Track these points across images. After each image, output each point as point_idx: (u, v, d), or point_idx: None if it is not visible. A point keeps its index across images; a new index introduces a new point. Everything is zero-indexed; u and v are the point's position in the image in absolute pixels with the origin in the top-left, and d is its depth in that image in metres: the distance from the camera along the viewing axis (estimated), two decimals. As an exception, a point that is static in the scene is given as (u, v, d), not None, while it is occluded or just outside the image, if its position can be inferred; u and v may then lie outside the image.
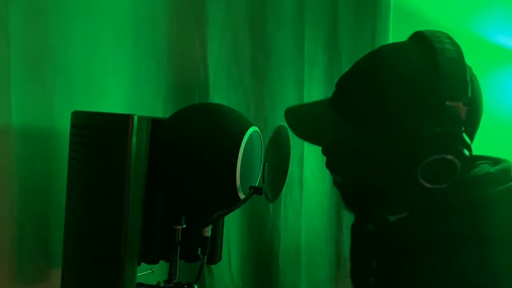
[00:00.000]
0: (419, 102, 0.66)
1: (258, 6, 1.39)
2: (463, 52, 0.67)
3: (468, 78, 0.65)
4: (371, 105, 0.70)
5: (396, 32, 1.58)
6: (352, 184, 0.77)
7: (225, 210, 0.85)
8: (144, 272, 0.89)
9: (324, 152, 0.78)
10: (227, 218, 0.94)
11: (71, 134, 0.91)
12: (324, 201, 1.52)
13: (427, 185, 0.66)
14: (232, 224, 1.37)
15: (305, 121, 0.81)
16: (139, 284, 0.85)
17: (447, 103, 0.64)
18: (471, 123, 0.67)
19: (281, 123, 0.85)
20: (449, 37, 0.69)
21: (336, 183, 0.79)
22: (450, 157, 0.64)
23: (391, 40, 1.59)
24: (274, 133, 0.81)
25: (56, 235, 0.99)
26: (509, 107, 1.71)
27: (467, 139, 0.65)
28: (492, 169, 0.70)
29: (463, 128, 0.65)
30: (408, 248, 0.69)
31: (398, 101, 0.67)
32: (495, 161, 0.73)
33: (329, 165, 0.79)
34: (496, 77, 1.66)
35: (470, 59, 0.68)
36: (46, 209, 1.01)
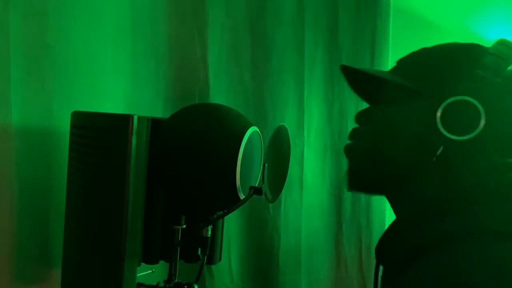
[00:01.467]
0: (460, 56, 0.66)
1: (258, 6, 1.39)
2: None
3: None
4: (419, 60, 0.70)
5: (396, 32, 1.58)
6: (368, 149, 0.71)
7: (225, 210, 0.85)
8: (144, 272, 0.89)
9: (357, 115, 0.74)
10: (227, 218, 0.95)
11: (71, 134, 0.91)
12: (324, 201, 1.53)
13: (451, 136, 0.61)
14: (232, 224, 1.37)
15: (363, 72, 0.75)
16: (139, 284, 0.85)
17: (477, 71, 0.62)
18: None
19: (281, 123, 0.85)
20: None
21: (349, 146, 0.74)
22: (473, 100, 0.60)
23: (391, 39, 1.59)
24: (274, 133, 0.81)
25: (56, 235, 0.99)
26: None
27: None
28: None
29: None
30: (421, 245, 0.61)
31: (445, 57, 0.68)
32: None
33: (356, 128, 0.74)
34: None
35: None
36: (46, 209, 1.01)
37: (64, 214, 0.94)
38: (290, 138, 0.88)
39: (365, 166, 0.72)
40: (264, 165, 0.78)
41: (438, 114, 0.62)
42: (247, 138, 0.81)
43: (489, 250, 0.55)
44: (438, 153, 0.63)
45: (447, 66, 0.66)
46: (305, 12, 1.46)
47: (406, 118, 0.67)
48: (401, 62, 0.72)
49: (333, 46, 1.54)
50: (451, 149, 0.62)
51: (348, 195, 1.59)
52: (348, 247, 1.58)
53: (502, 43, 0.66)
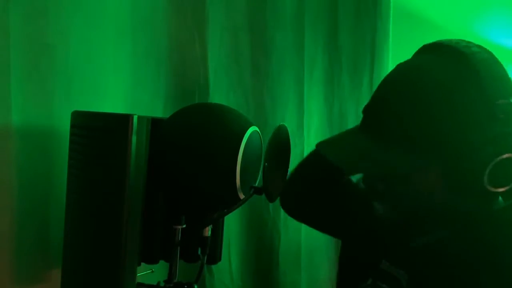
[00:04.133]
0: (467, 109, 0.63)
1: (258, 7, 1.39)
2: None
3: (509, 74, 0.65)
4: (419, 123, 0.65)
5: (396, 32, 1.58)
6: (400, 212, 0.72)
7: (225, 210, 0.85)
8: (144, 272, 0.89)
9: (367, 181, 0.74)
10: (227, 218, 0.95)
11: (71, 134, 0.91)
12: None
13: (492, 189, 0.64)
14: (232, 224, 1.37)
15: (345, 152, 0.72)
16: (139, 284, 0.85)
17: (499, 101, 0.62)
18: None
19: (281, 123, 0.85)
20: (470, 42, 0.68)
21: (383, 216, 0.74)
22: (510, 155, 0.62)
23: (391, 40, 1.59)
24: (274, 133, 0.81)
25: (56, 235, 0.99)
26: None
27: None
28: None
29: None
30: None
31: (447, 115, 0.64)
32: None
33: (376, 194, 0.73)
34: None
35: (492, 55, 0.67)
36: (46, 209, 1.01)
37: (64, 214, 0.94)
38: (290, 138, 0.88)
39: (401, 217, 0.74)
40: (264, 165, 0.78)
41: (485, 179, 0.63)
42: (247, 138, 0.81)
43: None
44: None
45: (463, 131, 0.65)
46: (305, 12, 1.46)
47: (444, 185, 0.67)
48: (386, 125, 0.68)
49: (333, 47, 1.54)
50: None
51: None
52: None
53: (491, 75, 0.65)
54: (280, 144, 0.84)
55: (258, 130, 0.86)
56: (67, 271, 0.93)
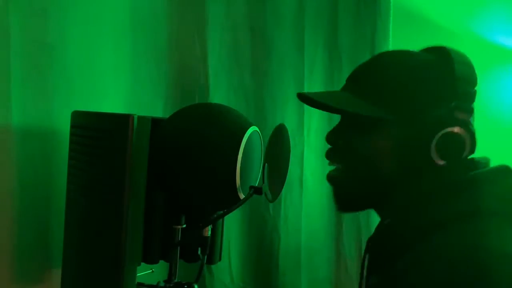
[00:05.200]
0: (435, 83, 0.70)
1: (258, 6, 1.39)
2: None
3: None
4: (388, 82, 0.71)
5: (396, 32, 1.58)
6: (357, 172, 0.74)
7: (225, 210, 0.85)
8: (144, 272, 0.89)
9: (331, 137, 0.76)
10: (227, 218, 0.95)
11: (71, 134, 0.91)
12: (324, 201, 1.52)
13: (440, 162, 0.68)
14: (232, 224, 1.37)
15: (321, 95, 0.79)
16: (139, 284, 0.85)
17: (465, 87, 0.69)
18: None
19: (281, 123, 0.85)
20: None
21: (333, 175, 0.76)
22: (461, 130, 0.67)
23: (391, 40, 1.59)
24: (274, 133, 0.81)
25: (56, 235, 0.99)
26: (509, 107, 1.71)
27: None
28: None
29: (473, 107, 0.69)
30: (405, 240, 0.67)
31: (418, 82, 0.70)
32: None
33: (336, 150, 0.76)
34: (496, 77, 1.66)
35: (470, 59, 0.70)
36: (46, 209, 1.01)
37: (64, 214, 0.94)
38: (290, 138, 0.88)
39: (354, 189, 0.75)
40: (264, 165, 0.78)
41: (433, 145, 0.68)
42: (247, 137, 0.81)
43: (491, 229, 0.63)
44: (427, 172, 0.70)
45: (424, 94, 0.70)
46: (305, 12, 1.46)
47: (395, 147, 0.71)
48: (362, 83, 0.74)
49: (333, 46, 1.54)
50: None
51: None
52: (348, 247, 1.58)
53: (463, 63, 0.71)
54: (280, 144, 0.84)
55: (258, 130, 0.86)
56: (67, 271, 0.93)
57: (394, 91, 0.70)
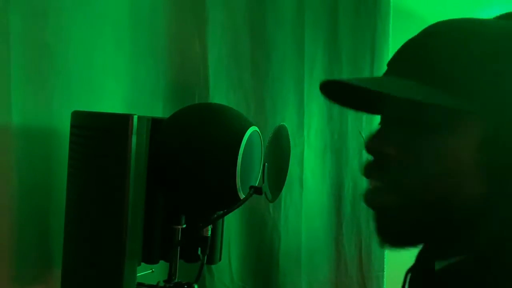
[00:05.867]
0: None
1: (258, 6, 1.39)
2: None
3: None
4: (467, 64, 0.49)
5: (396, 32, 1.58)
6: (423, 195, 0.50)
7: (225, 210, 0.85)
8: (144, 272, 0.89)
9: (375, 143, 0.53)
10: (227, 218, 0.95)
11: (71, 134, 0.91)
12: (324, 201, 1.53)
13: None
14: (232, 224, 1.37)
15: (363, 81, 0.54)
16: (139, 284, 0.85)
17: None
18: None
19: (281, 123, 0.85)
20: None
21: (381, 204, 0.53)
22: None
23: (391, 40, 1.59)
24: (274, 133, 0.81)
25: (56, 235, 0.99)
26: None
27: None
28: None
29: None
30: None
31: (507, 58, 0.49)
32: None
33: (384, 164, 0.52)
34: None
35: None
36: (46, 209, 1.01)
37: (64, 214, 0.94)
38: (290, 138, 0.88)
39: (417, 221, 0.51)
40: (264, 165, 0.78)
41: None
42: (247, 137, 0.81)
43: None
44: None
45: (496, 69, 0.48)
46: (305, 12, 1.46)
47: (482, 153, 0.48)
48: (422, 63, 0.51)
49: (333, 46, 1.54)
50: None
51: (348, 195, 1.59)
52: (348, 247, 1.58)
53: None
54: (280, 144, 0.84)
55: (258, 130, 0.86)
56: (67, 271, 0.93)
57: (474, 72, 0.48)
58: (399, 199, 0.51)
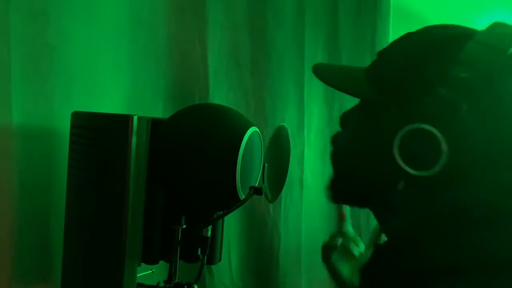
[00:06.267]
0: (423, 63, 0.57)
1: (258, 6, 1.39)
2: None
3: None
4: (387, 62, 0.63)
5: (396, 32, 1.58)
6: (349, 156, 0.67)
7: (225, 210, 0.85)
8: (144, 272, 0.89)
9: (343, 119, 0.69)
10: (227, 218, 0.95)
11: (71, 134, 0.91)
12: (324, 201, 1.52)
13: (407, 169, 0.54)
14: (232, 224, 1.37)
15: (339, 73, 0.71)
16: (139, 284, 0.85)
17: (458, 73, 0.52)
18: None
19: (281, 123, 0.85)
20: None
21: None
22: (432, 128, 0.52)
23: (391, 40, 1.59)
24: (274, 133, 0.81)
25: (56, 235, 0.99)
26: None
27: None
28: None
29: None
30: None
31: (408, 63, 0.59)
32: None
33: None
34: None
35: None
36: (46, 209, 1.01)
37: (64, 214, 0.94)
38: (290, 138, 0.88)
39: (341, 180, 0.67)
40: (264, 165, 0.78)
41: (396, 145, 0.54)
42: (247, 138, 0.81)
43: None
44: (399, 187, 0.57)
45: (417, 73, 0.57)
46: (305, 12, 1.46)
47: (371, 135, 0.61)
48: (383, 58, 0.65)
49: (333, 46, 1.54)
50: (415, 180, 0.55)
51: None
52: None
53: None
54: (280, 144, 0.84)
55: (258, 130, 0.86)
56: (67, 271, 0.93)
57: (386, 71, 0.61)
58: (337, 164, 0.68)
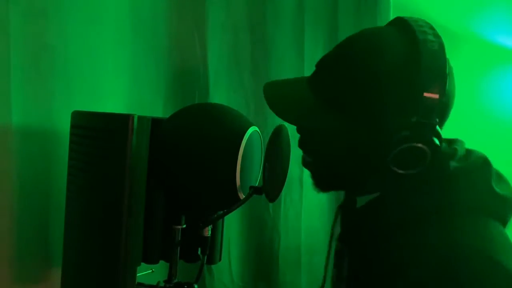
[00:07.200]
0: (398, 92, 0.66)
1: (258, 6, 1.39)
2: (444, 44, 0.66)
3: (447, 71, 0.65)
4: (350, 89, 0.70)
5: (396, 32, 1.58)
6: (322, 166, 0.78)
7: (225, 210, 0.85)
8: (144, 272, 0.89)
9: (298, 131, 0.79)
10: (227, 218, 0.94)
11: (71, 134, 0.91)
12: (324, 201, 1.52)
13: (399, 171, 0.68)
14: (232, 224, 1.37)
15: (283, 97, 0.79)
16: (139, 284, 0.85)
17: (425, 94, 0.64)
18: (444, 114, 0.69)
19: (281, 124, 0.85)
20: (432, 28, 0.68)
21: (305, 163, 0.80)
22: (422, 146, 0.66)
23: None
24: (274, 133, 0.81)
25: (56, 235, 0.99)
26: (509, 107, 1.71)
27: (439, 129, 0.67)
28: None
29: (437, 120, 0.66)
30: (382, 229, 0.71)
31: (378, 88, 0.68)
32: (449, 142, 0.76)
33: (302, 144, 0.79)
34: (496, 77, 1.66)
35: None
36: (46, 209, 1.01)
37: (64, 214, 0.94)
38: (290, 138, 0.88)
39: (325, 177, 0.80)
40: (264, 165, 0.78)
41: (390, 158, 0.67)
42: (247, 137, 0.81)
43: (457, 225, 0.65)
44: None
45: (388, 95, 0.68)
46: (305, 12, 1.46)
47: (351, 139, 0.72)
48: (324, 79, 0.74)
49: (333, 46, 1.54)
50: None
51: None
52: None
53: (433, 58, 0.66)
54: (280, 144, 0.84)
55: (258, 130, 0.86)
56: (67, 271, 0.93)
57: (356, 101, 0.70)
58: (314, 162, 0.78)
